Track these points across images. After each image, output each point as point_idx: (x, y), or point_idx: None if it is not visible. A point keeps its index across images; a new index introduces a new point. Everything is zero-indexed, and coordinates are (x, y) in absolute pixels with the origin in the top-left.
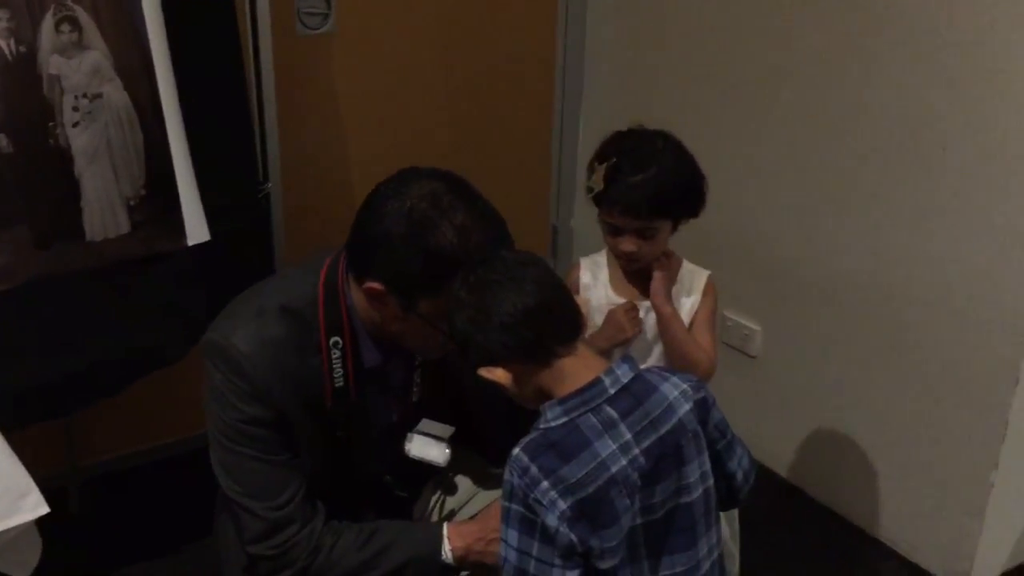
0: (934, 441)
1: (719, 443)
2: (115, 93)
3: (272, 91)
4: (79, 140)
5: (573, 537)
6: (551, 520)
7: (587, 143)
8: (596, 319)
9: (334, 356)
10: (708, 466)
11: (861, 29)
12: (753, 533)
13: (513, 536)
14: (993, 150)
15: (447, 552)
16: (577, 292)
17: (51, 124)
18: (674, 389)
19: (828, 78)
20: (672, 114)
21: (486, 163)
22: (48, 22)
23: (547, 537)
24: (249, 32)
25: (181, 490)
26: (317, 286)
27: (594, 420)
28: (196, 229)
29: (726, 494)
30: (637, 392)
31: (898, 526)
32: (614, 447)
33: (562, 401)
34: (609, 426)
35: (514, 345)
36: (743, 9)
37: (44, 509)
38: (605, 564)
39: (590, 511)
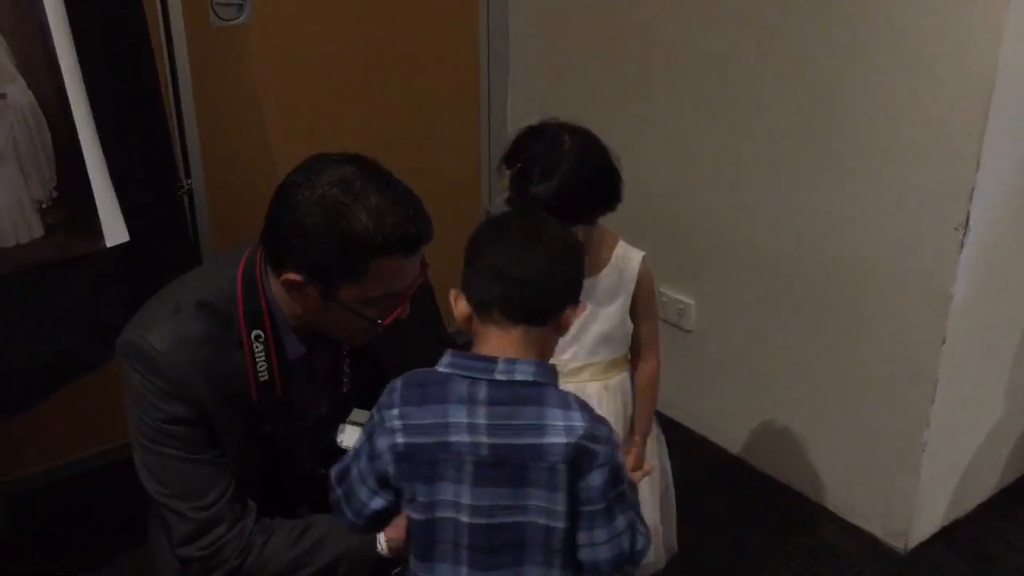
0: (867, 404)
1: (583, 505)
2: (19, 93)
3: (189, 84)
4: None
5: (391, 469)
6: (382, 443)
7: (516, 125)
8: None
9: (257, 349)
10: (561, 507)
11: (778, 2)
12: (695, 504)
13: (361, 438)
14: (910, 119)
15: (382, 543)
16: None
17: None
18: (561, 420)
19: (751, 52)
20: (599, 93)
21: (414, 150)
22: None
23: (373, 455)
24: (161, 24)
25: (114, 499)
26: (235, 280)
27: (463, 388)
28: (114, 229)
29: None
30: (520, 396)
31: (837, 489)
32: (464, 421)
33: (455, 354)
34: (471, 401)
35: (470, 294)
36: None
37: None
38: (412, 513)
39: (416, 458)
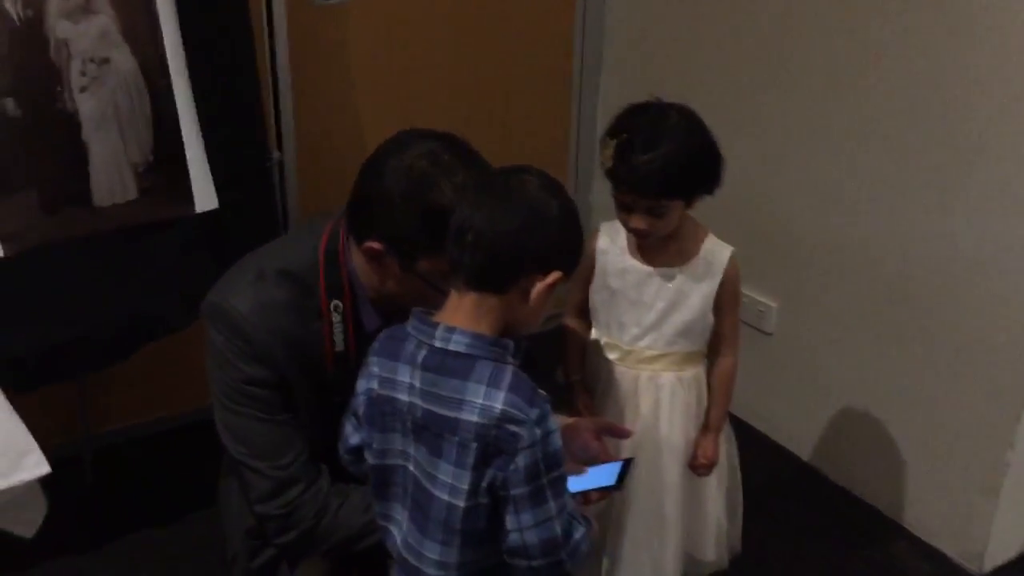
0: (950, 420)
1: (509, 489)
2: (122, 58)
3: (286, 61)
4: (86, 105)
5: (361, 410)
6: (362, 384)
7: (606, 117)
8: (612, 283)
9: (335, 320)
10: (465, 486)
11: (885, 10)
12: (763, 508)
13: None
14: (1014, 123)
15: None
16: (593, 259)
17: (58, 89)
18: (481, 398)
19: (849, 51)
20: (691, 86)
21: (502, 137)
22: None
23: (356, 393)
24: (264, 1)
25: (193, 459)
26: (318, 250)
27: (411, 349)
28: (204, 196)
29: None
30: (447, 366)
31: (912, 506)
32: (406, 381)
33: (415, 314)
34: (410, 362)
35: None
36: None
37: (45, 468)
38: (368, 456)
39: (378, 406)
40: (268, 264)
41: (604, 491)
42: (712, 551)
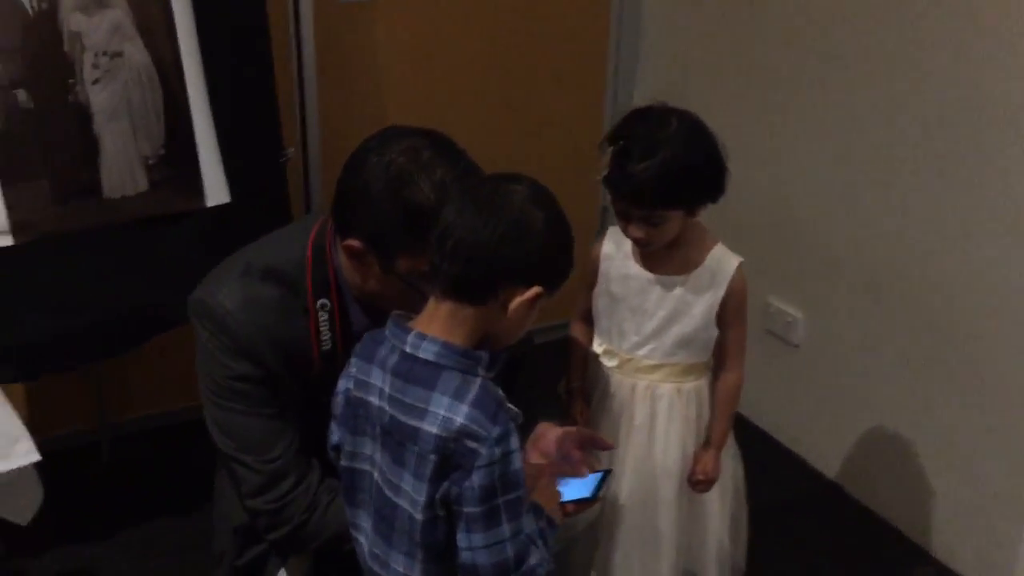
0: (976, 444)
1: (463, 506)
2: (136, 51)
3: (312, 58)
4: (99, 97)
5: (338, 411)
6: (341, 384)
7: None
8: (614, 289)
9: (321, 319)
10: (422, 498)
11: (918, 14)
12: (781, 525)
13: None
14: None
15: None
16: (598, 263)
17: (71, 81)
18: (444, 409)
19: (883, 61)
20: (723, 94)
21: (534, 141)
22: None
23: (336, 393)
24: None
25: (208, 450)
26: (305, 248)
27: (385, 352)
28: (216, 190)
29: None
30: (414, 373)
31: (936, 530)
32: (377, 385)
33: (393, 318)
34: (382, 366)
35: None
36: None
37: (35, 456)
38: (341, 458)
39: (352, 407)
40: (255, 260)
41: (580, 503)
42: (714, 571)
